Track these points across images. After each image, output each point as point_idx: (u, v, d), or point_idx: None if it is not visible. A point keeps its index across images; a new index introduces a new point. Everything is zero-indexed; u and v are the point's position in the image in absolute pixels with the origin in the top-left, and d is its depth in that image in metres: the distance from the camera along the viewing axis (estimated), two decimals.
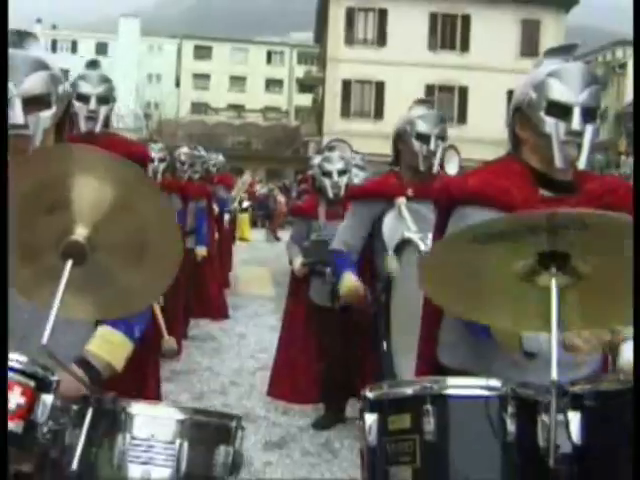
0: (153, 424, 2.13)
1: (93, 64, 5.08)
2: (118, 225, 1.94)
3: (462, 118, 39.53)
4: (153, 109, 52.91)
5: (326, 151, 6.81)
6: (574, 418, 2.02)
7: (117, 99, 5.11)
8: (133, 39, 67.00)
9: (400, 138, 4.72)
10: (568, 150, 2.58)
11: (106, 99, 4.87)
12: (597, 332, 2.29)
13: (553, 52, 2.75)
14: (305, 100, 57.77)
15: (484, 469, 1.99)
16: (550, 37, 41.00)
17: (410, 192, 4.45)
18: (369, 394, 2.16)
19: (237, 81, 67.24)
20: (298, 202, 10.13)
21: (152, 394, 2.99)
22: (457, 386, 2.07)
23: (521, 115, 2.70)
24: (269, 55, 68.98)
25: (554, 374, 1.97)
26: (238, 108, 61.51)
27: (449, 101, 39.15)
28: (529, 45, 40.57)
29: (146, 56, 67.62)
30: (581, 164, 2.60)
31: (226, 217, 12.63)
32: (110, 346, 2.51)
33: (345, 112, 41.34)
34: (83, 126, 4.75)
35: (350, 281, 4.91)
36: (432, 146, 4.57)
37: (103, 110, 4.81)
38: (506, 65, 37.84)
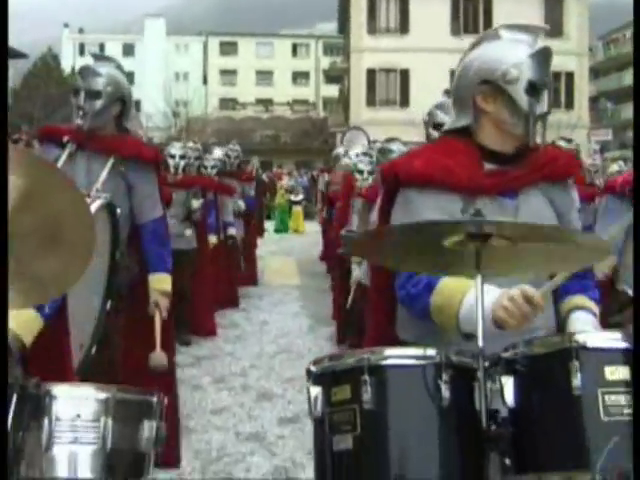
0: (77, 404, 2.21)
1: (99, 57, 4.92)
2: (28, 215, 1.94)
3: None
4: (182, 107, 53.26)
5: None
6: (507, 383, 2.13)
7: (129, 97, 4.78)
8: (159, 39, 67.58)
9: (425, 127, 4.85)
10: (536, 129, 2.69)
11: (97, 94, 4.61)
12: (520, 303, 2.32)
13: (515, 27, 2.80)
14: (332, 91, 57.89)
15: (421, 434, 2.08)
16: (574, 16, 40.86)
17: None
18: (313, 368, 2.26)
19: (264, 75, 67.46)
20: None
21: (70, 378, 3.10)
22: (394, 356, 2.17)
23: (490, 88, 2.72)
24: (294, 48, 69.07)
25: (480, 342, 2.13)
26: (266, 102, 61.78)
27: None
28: (553, 25, 40.32)
29: (173, 55, 68.10)
30: (533, 142, 2.71)
31: None
32: (19, 319, 2.64)
33: (371, 101, 41.49)
34: (74, 120, 4.64)
35: None
36: None
37: (91, 105, 4.58)
38: None
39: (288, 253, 18.66)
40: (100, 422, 2.19)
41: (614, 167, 11.12)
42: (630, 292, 4.51)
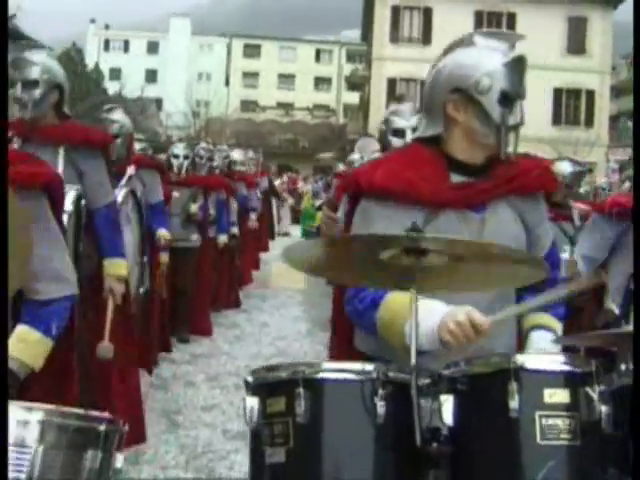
0: (10, 426, 1.97)
1: (31, 46, 4.84)
2: None
3: None
4: (203, 107, 53.49)
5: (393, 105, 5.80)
6: (447, 401, 2.11)
7: (62, 86, 4.66)
8: (184, 38, 67.98)
9: (381, 137, 4.77)
10: (507, 140, 2.60)
11: (34, 83, 4.52)
12: (466, 329, 2.27)
13: (490, 34, 2.72)
14: (353, 98, 57.94)
15: (356, 450, 2.04)
16: (597, 34, 40.77)
17: None
18: (249, 378, 2.22)
19: (286, 79, 67.64)
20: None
21: (72, 399, 2.91)
22: (330, 370, 2.13)
23: (461, 97, 2.61)
24: (318, 53, 69.20)
25: (413, 359, 2.09)
26: (287, 106, 61.92)
27: None
28: (576, 42, 40.40)
29: (196, 55, 68.53)
30: (504, 154, 2.62)
31: (252, 215, 13.07)
32: (24, 345, 2.55)
33: None
34: (13, 113, 4.53)
35: None
36: (408, 139, 4.46)
37: (30, 95, 4.50)
38: (553, 63, 37.76)
39: None
40: (31, 448, 1.98)
41: (627, 185, 11.03)
42: (616, 311, 4.55)
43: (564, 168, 6.39)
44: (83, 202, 4.11)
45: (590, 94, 40.85)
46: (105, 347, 4.75)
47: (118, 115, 6.23)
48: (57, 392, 2.80)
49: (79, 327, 4.35)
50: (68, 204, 3.65)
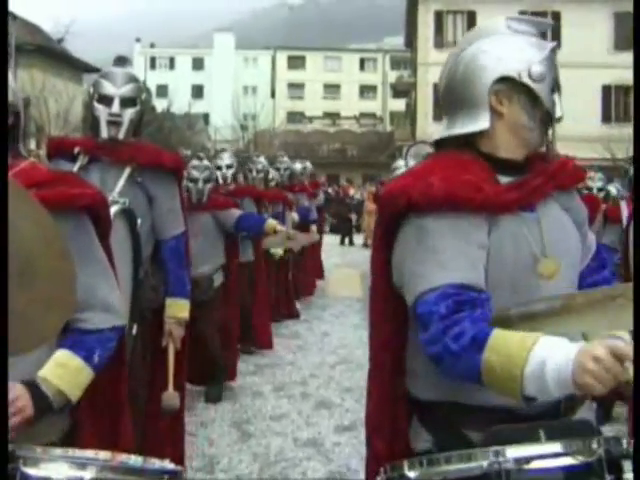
0: None
1: (121, 60, 4.57)
2: None
3: None
4: (250, 120, 53.87)
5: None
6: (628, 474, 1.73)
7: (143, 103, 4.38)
8: (228, 53, 68.66)
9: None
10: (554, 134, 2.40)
11: (132, 101, 4.25)
12: (609, 364, 1.85)
13: (522, 20, 2.41)
14: (399, 105, 57.88)
15: None
16: None
17: None
18: (409, 473, 1.78)
19: (331, 89, 67.88)
20: None
21: (128, 443, 2.60)
22: (533, 457, 1.73)
23: (507, 87, 2.32)
24: (362, 62, 69.41)
25: None
26: (333, 116, 62.08)
27: None
28: (623, 38, 39.89)
29: (241, 69, 69.19)
30: (553, 147, 2.44)
31: (313, 227, 13.11)
32: (64, 371, 2.28)
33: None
34: (104, 132, 4.20)
35: None
36: None
37: (128, 114, 4.22)
38: (600, 60, 37.40)
39: (353, 265, 18.81)
40: None
41: None
42: None
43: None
44: (139, 222, 3.72)
45: None
46: (169, 395, 4.58)
47: None
48: (111, 434, 2.60)
49: (137, 364, 4.12)
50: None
